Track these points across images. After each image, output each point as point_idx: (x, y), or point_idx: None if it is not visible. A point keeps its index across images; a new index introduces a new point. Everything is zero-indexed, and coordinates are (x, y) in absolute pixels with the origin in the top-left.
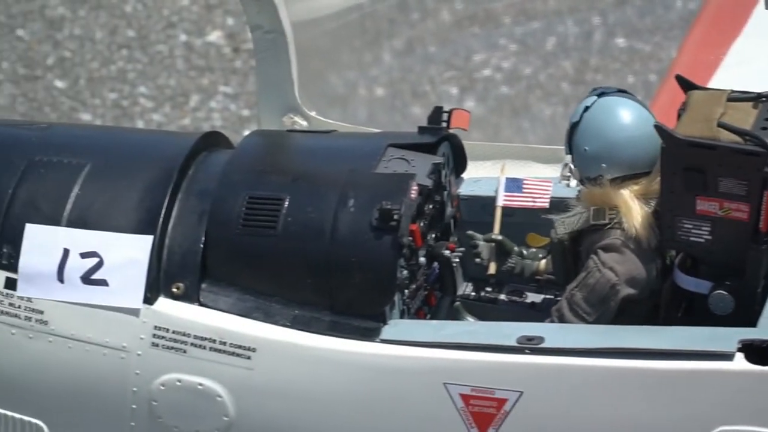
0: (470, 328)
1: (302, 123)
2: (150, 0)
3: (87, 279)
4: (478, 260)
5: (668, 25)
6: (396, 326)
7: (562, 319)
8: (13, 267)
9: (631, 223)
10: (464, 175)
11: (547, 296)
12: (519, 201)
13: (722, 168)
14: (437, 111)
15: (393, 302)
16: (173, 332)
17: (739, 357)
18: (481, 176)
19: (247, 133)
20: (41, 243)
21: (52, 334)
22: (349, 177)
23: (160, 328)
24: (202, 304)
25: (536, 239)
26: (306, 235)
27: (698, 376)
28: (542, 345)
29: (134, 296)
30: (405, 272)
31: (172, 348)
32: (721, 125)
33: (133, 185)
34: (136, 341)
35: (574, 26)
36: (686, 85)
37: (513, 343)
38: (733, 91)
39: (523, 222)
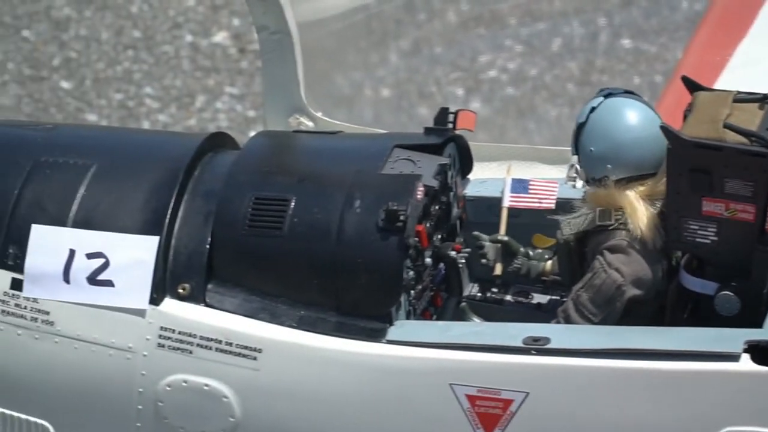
0: (476, 329)
1: (308, 124)
2: (156, 1)
3: (93, 280)
4: (484, 261)
5: (674, 26)
6: (402, 327)
7: (568, 320)
8: (19, 268)
9: (637, 224)
10: (470, 176)
11: (553, 297)
12: (525, 202)
13: (728, 169)
14: (443, 112)
15: (399, 303)
16: (179, 333)
17: (745, 358)
18: (487, 177)
19: (253, 133)
20: (47, 244)
21: (58, 334)
22: (356, 178)
23: (166, 329)
24: (208, 305)
25: (542, 240)
26: (312, 235)
27: (704, 377)
28: (548, 346)
29: (140, 297)
30: (411, 273)
31: (178, 349)
32: (727, 126)
33: (139, 186)
34: (142, 342)
35: (580, 27)
36: (692, 86)
37: (519, 343)
38: (739, 92)
39: (529, 223)
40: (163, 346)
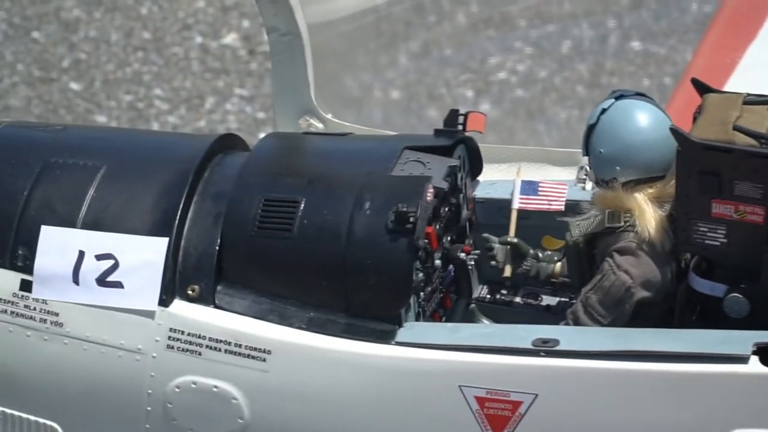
0: (485, 331)
1: (318, 125)
2: (165, 2)
3: (102, 281)
4: (493, 263)
5: (683, 29)
6: (411, 329)
7: (577, 322)
8: (28, 269)
9: (645, 227)
10: (480, 178)
11: (562, 299)
12: (534, 204)
13: (738, 171)
14: (453, 114)
15: (408, 305)
16: (188, 334)
17: (754, 360)
18: (496, 179)
19: (262, 135)
20: (56, 245)
21: (67, 336)
22: (365, 179)
23: (175, 330)
24: (217, 307)
25: (552, 242)
26: (322, 237)
27: (713, 379)
28: (557, 347)
29: (149, 298)
30: (420, 275)
31: (188, 350)
32: (736, 128)
33: (149, 187)
34: (152, 343)
35: (590, 29)
36: (702, 88)
37: (528, 345)
38: (748, 95)
39: (539, 225)
40: (172, 347)
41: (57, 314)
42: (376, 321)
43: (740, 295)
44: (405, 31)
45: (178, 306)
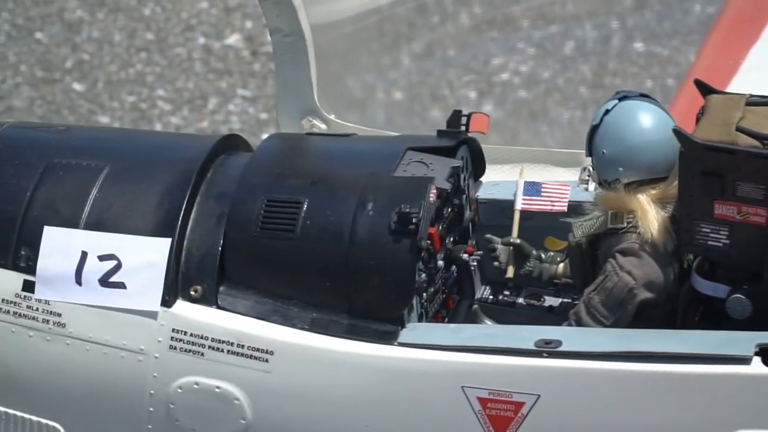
0: (488, 332)
1: (321, 126)
2: (169, 3)
3: (105, 282)
4: (496, 264)
5: (687, 30)
6: (414, 329)
7: (579, 323)
8: (31, 269)
9: (648, 228)
10: (483, 179)
11: (565, 300)
12: (537, 204)
13: (740, 172)
14: (456, 115)
15: (411, 305)
16: (191, 335)
17: (757, 361)
18: (499, 180)
19: (265, 136)
20: (59, 245)
21: (69, 336)
22: (368, 180)
23: (177, 331)
24: (220, 307)
25: (554, 243)
26: (324, 238)
27: (715, 380)
28: (560, 348)
29: (152, 299)
30: (423, 275)
31: (190, 351)
32: (739, 129)
33: (152, 188)
34: (154, 344)
35: (593, 30)
36: (705, 89)
37: (531, 346)
38: (751, 96)
39: (542, 225)
40: (174, 348)
41: (60, 315)
42: (378, 322)
43: (743, 296)
44: (408, 32)
45: (181, 306)
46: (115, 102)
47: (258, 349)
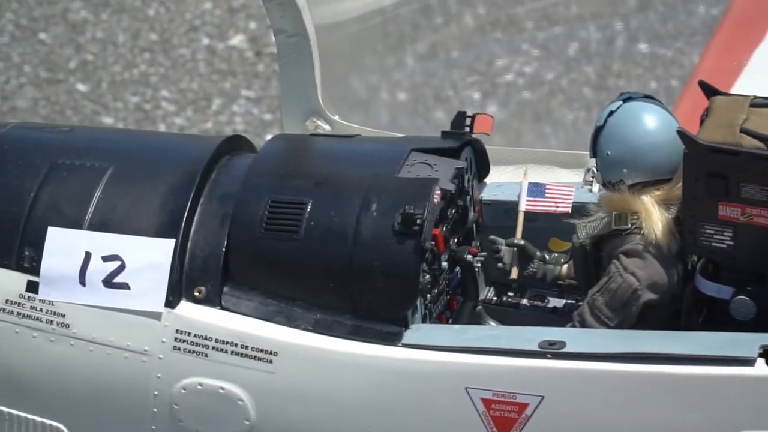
0: (492, 333)
1: (325, 127)
2: (173, 4)
3: (109, 282)
4: (500, 265)
5: (691, 31)
6: (418, 330)
7: (583, 324)
8: (35, 270)
9: (652, 229)
10: (487, 180)
11: (569, 301)
12: (541, 206)
13: (745, 174)
14: (460, 116)
15: (415, 306)
16: (195, 336)
17: (761, 362)
18: (503, 181)
19: (269, 137)
20: (63, 246)
21: (73, 337)
22: (372, 181)
23: (181, 332)
24: (223, 308)
25: (558, 244)
26: (329, 239)
27: (719, 382)
28: (564, 350)
29: (156, 300)
30: (427, 277)
31: (194, 352)
32: (744, 131)
33: (156, 188)
34: (158, 345)
35: (597, 32)
36: (709, 90)
37: (535, 347)
38: (756, 97)
39: (546, 227)
40: (178, 349)
41: (63, 315)
42: (382, 323)
43: (747, 298)
44: (412, 32)
45: (185, 307)
46: (118, 102)
47: (262, 350)
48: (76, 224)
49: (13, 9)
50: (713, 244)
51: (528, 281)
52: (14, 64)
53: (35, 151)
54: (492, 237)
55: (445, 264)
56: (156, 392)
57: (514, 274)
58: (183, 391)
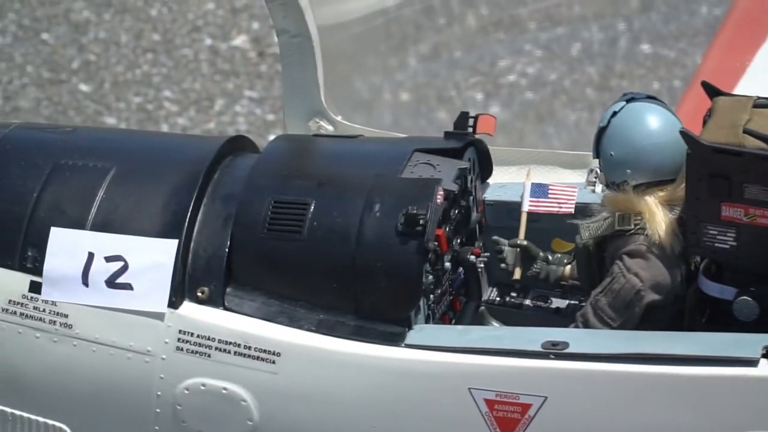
0: (495, 333)
1: (328, 127)
2: (175, 4)
3: (112, 283)
4: (503, 265)
5: (693, 32)
6: (421, 331)
7: (586, 325)
8: (37, 270)
9: (655, 230)
10: (490, 180)
11: (572, 302)
12: (544, 206)
13: (747, 174)
14: (463, 116)
15: (418, 307)
16: (198, 336)
17: (764, 363)
18: (506, 181)
19: (272, 137)
20: (66, 246)
21: (76, 337)
22: (375, 182)
23: (184, 332)
24: (226, 309)
25: (561, 245)
26: (331, 239)
27: (723, 382)
28: (567, 350)
29: (159, 300)
30: (430, 277)
31: (197, 352)
32: (746, 132)
33: (159, 189)
34: (161, 345)
35: (599, 32)
36: (712, 91)
37: (538, 348)
38: (759, 98)
39: (549, 227)
40: (181, 349)
41: (66, 316)
42: (385, 323)
43: (750, 298)
44: (415, 33)
45: (188, 308)
46: (121, 103)
47: (265, 351)
48: (79, 225)
49: (16, 9)
50: (716, 244)
51: (531, 282)
52: (17, 64)
53: (38, 151)
54: (495, 237)
55: (448, 264)
56: (159, 393)
57: (517, 274)
58: (186, 392)
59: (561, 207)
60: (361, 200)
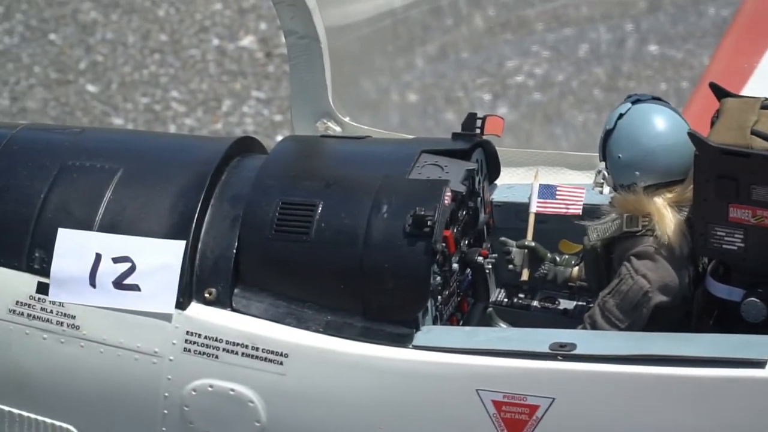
0: (503, 335)
1: (335, 128)
2: (183, 4)
3: (119, 284)
4: (511, 267)
5: (701, 33)
6: (429, 332)
7: (594, 326)
8: (45, 271)
9: (664, 231)
10: (497, 182)
11: (580, 303)
12: (552, 207)
13: (755, 175)
14: (471, 117)
15: (426, 308)
16: (205, 337)
17: None
18: (514, 182)
19: (279, 138)
20: (73, 247)
21: (83, 339)
22: (383, 183)
23: (192, 334)
24: (234, 310)
25: (569, 246)
26: (339, 240)
27: (730, 384)
28: (574, 352)
29: (166, 301)
30: (438, 278)
31: (204, 353)
32: (754, 133)
33: (166, 190)
34: (168, 346)
35: (607, 33)
36: (720, 92)
37: (545, 349)
38: (766, 99)
39: (557, 228)
40: (189, 350)
41: (74, 317)
42: (393, 324)
43: (758, 300)
44: (422, 34)
45: (195, 309)
46: (128, 103)
47: (272, 352)
48: (87, 226)
49: (23, 10)
50: (724, 246)
51: (539, 283)
52: (24, 65)
53: (45, 152)
54: (503, 239)
55: (455, 265)
56: (166, 394)
57: (525, 275)
58: (193, 393)
59: (569, 208)
60: (368, 201)
